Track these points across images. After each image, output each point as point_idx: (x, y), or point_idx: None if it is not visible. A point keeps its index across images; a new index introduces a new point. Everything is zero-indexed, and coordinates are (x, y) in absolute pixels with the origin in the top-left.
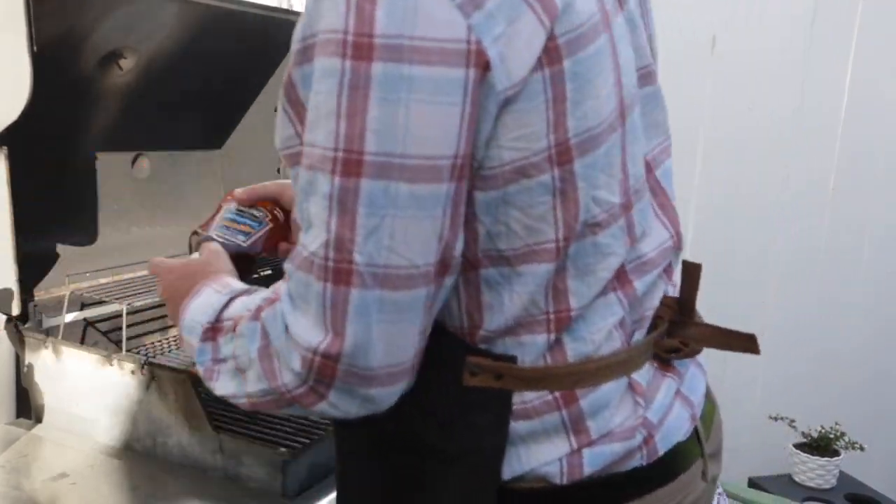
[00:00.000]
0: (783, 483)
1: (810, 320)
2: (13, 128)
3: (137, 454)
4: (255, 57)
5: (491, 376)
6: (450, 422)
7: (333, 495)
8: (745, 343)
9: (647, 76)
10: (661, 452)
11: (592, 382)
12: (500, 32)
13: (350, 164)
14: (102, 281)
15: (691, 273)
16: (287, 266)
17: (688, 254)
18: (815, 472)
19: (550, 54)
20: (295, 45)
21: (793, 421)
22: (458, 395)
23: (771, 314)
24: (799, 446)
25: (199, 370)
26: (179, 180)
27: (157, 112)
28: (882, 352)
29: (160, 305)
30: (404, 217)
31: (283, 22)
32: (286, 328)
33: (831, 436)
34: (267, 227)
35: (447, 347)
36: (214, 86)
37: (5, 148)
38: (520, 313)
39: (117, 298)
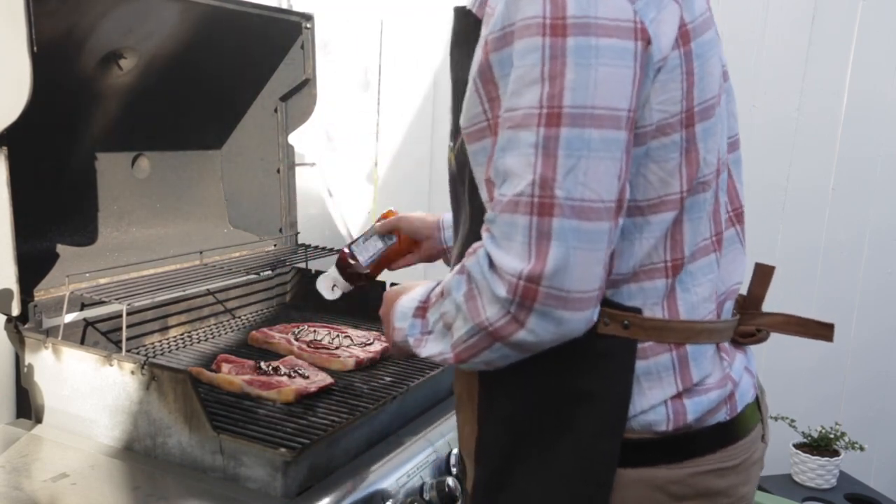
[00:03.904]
0: (783, 483)
1: None
2: (13, 128)
3: (137, 454)
4: (255, 57)
5: (619, 325)
6: (584, 366)
7: (333, 495)
8: (822, 330)
9: (725, 73)
10: (738, 409)
11: (697, 340)
12: (654, 17)
13: (552, 117)
14: (102, 281)
15: (764, 273)
16: (489, 215)
17: None
18: (815, 472)
19: (684, 36)
20: (492, 35)
21: (793, 421)
22: (591, 342)
23: None
24: (799, 446)
25: (410, 341)
26: (179, 180)
27: (157, 112)
28: (882, 352)
29: (160, 306)
30: (595, 158)
31: (283, 22)
32: (490, 264)
33: (831, 436)
34: (386, 249)
35: None
36: (214, 86)
37: (5, 148)
38: (644, 259)
39: (117, 298)
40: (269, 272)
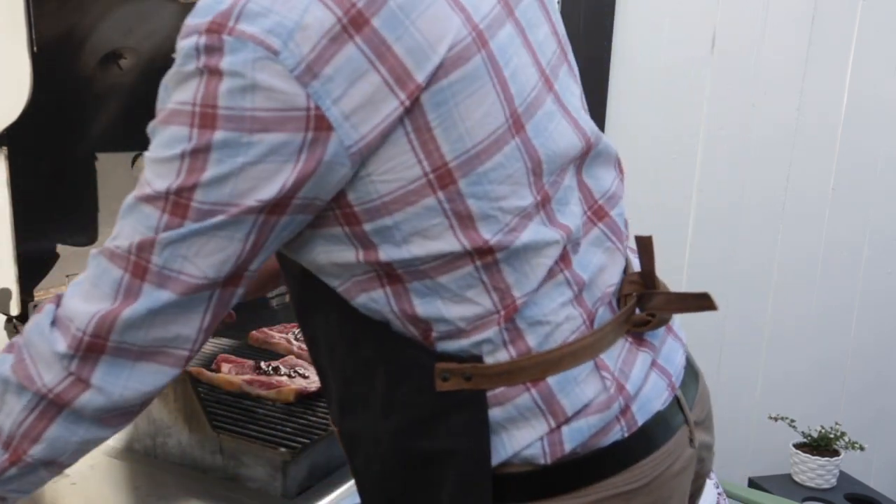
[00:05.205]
0: (783, 483)
1: (810, 320)
2: (13, 128)
3: (137, 454)
4: None
5: (461, 378)
6: (431, 427)
7: (333, 495)
8: (700, 302)
9: (556, 65)
10: (640, 423)
11: (560, 369)
12: (339, 95)
13: (178, 208)
14: None
15: (645, 245)
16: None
17: (688, 253)
18: (815, 472)
19: (408, 100)
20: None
21: (793, 421)
22: (433, 401)
23: (771, 313)
24: (799, 446)
25: None
26: None
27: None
28: (882, 352)
29: None
30: (210, 236)
31: None
32: (53, 321)
33: (831, 436)
34: None
35: (415, 359)
36: None
37: (5, 148)
38: (464, 314)
39: None
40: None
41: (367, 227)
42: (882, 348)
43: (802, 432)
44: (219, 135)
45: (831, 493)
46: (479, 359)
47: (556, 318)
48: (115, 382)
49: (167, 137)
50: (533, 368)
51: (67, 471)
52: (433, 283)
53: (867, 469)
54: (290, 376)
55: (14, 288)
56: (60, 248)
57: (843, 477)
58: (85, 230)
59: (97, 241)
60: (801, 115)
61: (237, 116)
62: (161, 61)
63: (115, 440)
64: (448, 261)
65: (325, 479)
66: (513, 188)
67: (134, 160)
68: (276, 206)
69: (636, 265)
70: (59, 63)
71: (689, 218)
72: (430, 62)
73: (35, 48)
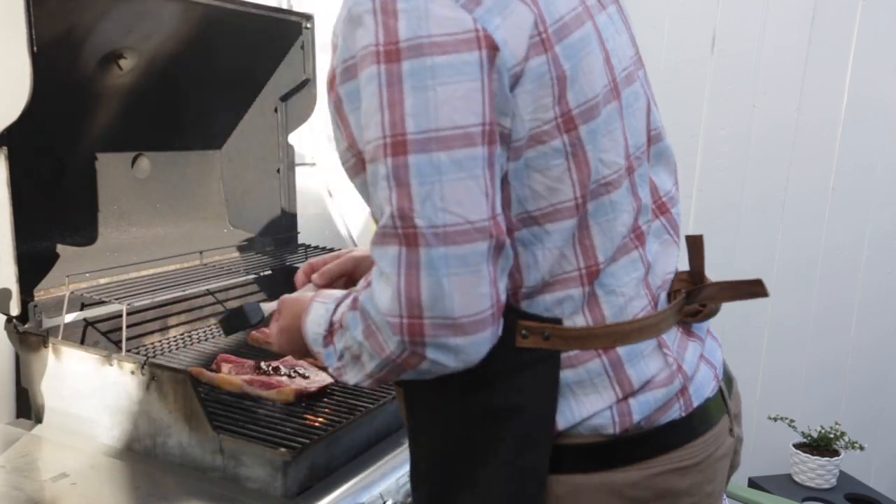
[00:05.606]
0: (783, 483)
1: (810, 320)
2: (13, 128)
3: (137, 454)
4: (255, 57)
5: (539, 337)
6: (505, 381)
7: (333, 495)
8: (753, 288)
9: (635, 61)
10: (695, 405)
11: (628, 341)
12: (499, 23)
13: (397, 146)
14: (102, 281)
15: (695, 244)
16: (370, 250)
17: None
18: (815, 472)
19: (546, 42)
20: (338, 69)
21: (793, 421)
22: (511, 356)
23: (771, 313)
24: (799, 446)
25: (332, 372)
26: (179, 180)
27: (157, 112)
28: (882, 352)
29: (160, 306)
30: (449, 181)
31: (283, 22)
32: (377, 304)
33: (831, 436)
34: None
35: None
36: (214, 86)
37: (5, 148)
38: (553, 269)
39: (117, 298)
40: (269, 272)
41: (509, 166)
42: (882, 348)
43: (802, 432)
44: (406, 65)
45: (831, 493)
46: (558, 321)
47: (629, 291)
48: (447, 357)
49: (363, 82)
50: (605, 337)
51: (67, 471)
52: (540, 231)
53: (867, 469)
54: (290, 376)
55: (14, 288)
56: (60, 248)
57: (843, 477)
58: (85, 230)
59: (97, 241)
60: (801, 115)
61: (417, 45)
62: (161, 61)
63: (115, 440)
64: (558, 208)
65: (325, 479)
66: (612, 143)
67: (134, 160)
68: (489, 132)
69: (682, 266)
70: (59, 63)
71: (689, 218)
72: (552, 16)
73: (35, 48)
